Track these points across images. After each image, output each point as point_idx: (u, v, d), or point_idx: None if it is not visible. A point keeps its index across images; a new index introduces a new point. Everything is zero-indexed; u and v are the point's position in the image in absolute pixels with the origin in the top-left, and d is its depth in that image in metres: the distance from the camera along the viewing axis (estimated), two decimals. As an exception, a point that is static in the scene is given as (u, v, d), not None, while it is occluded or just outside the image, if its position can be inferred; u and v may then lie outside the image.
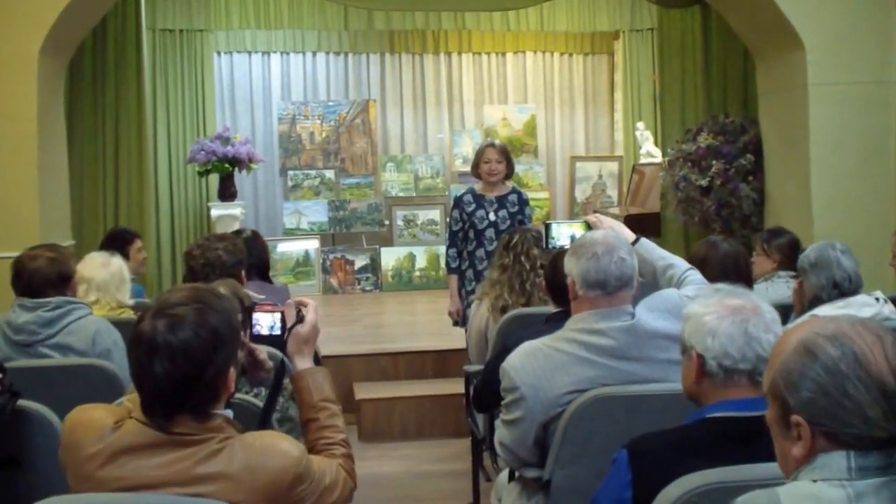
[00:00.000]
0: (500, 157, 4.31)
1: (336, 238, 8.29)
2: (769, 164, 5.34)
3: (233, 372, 1.57)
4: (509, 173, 4.39)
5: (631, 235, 2.42)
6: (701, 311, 1.65)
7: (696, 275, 2.36)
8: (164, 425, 1.50)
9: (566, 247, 2.37)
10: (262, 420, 1.88)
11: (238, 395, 1.93)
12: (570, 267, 2.12)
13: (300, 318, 1.87)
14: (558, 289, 2.51)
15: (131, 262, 4.01)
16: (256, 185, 8.48)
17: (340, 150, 8.43)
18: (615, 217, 7.10)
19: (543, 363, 2.10)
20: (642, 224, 6.25)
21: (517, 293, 3.20)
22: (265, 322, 1.87)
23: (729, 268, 2.88)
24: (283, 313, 1.87)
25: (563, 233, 2.51)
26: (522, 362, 2.12)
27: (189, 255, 3.04)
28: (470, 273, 4.34)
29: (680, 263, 2.38)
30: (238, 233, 3.43)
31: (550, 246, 2.53)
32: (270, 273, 3.74)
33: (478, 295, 3.44)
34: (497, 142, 4.47)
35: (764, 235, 3.72)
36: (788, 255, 3.51)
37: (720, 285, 1.74)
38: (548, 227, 2.53)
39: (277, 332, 1.87)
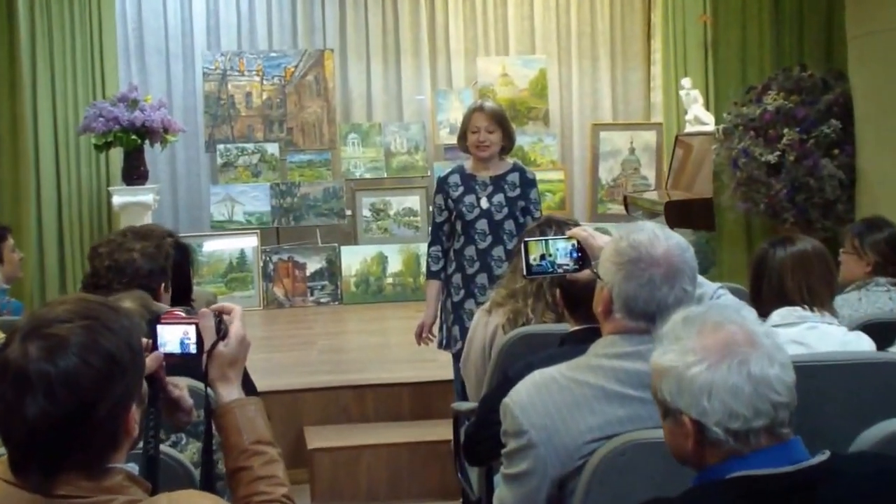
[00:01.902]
0: (491, 125, 4.35)
1: (282, 234, 8.32)
2: (861, 133, 5.35)
3: (135, 411, 1.56)
4: (507, 146, 4.44)
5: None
6: (678, 360, 1.66)
7: (729, 298, 2.40)
8: (43, 486, 1.49)
9: (562, 269, 2.43)
10: (204, 480, 1.87)
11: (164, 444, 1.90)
12: (611, 278, 2.13)
13: (222, 332, 1.85)
14: (578, 300, 2.53)
15: (4, 265, 3.99)
16: (174, 163, 8.51)
17: (287, 116, 8.45)
18: (652, 206, 7.23)
19: (559, 399, 2.12)
20: (688, 214, 6.27)
21: (547, 306, 3.21)
22: (173, 337, 1.84)
23: (797, 276, 2.90)
24: (197, 325, 1.84)
25: (558, 251, 2.49)
26: (531, 398, 2.13)
27: (93, 253, 3.05)
28: (457, 278, 4.39)
29: (708, 283, 2.42)
30: (170, 235, 3.38)
31: (534, 272, 2.52)
32: (194, 281, 3.72)
33: (487, 305, 3.44)
34: (488, 103, 4.52)
35: (856, 229, 3.75)
36: (889, 254, 3.55)
37: (691, 309, 1.74)
38: (526, 246, 2.51)
39: (191, 350, 1.84)
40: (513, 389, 2.16)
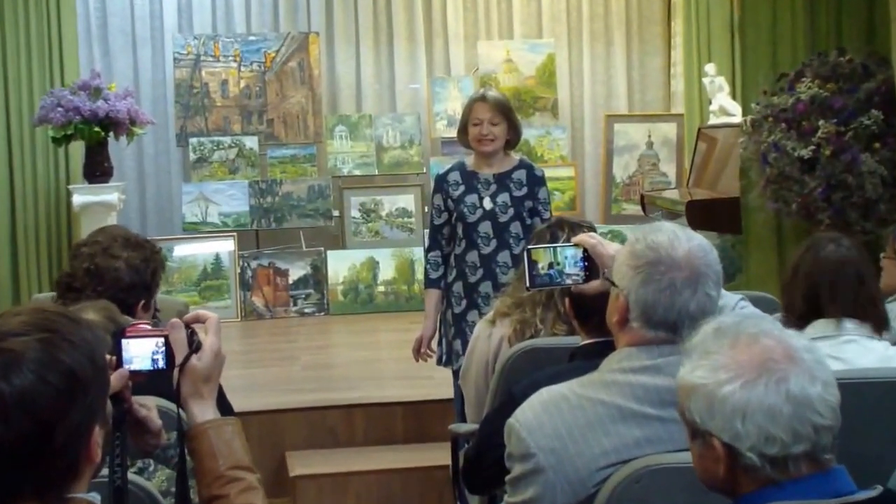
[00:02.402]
0: (495, 116, 4.38)
1: (261, 237, 8.33)
2: (907, 125, 5.35)
3: (98, 434, 1.55)
4: (513, 140, 4.48)
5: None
6: (708, 378, 1.64)
7: (752, 311, 2.42)
8: (-5, 517, 1.48)
9: (571, 279, 2.44)
10: None
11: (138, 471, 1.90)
12: (627, 283, 2.14)
13: (194, 344, 1.84)
14: (591, 310, 2.54)
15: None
16: (142, 158, 8.51)
17: (267, 107, 8.46)
18: (672, 206, 7.22)
19: (571, 419, 2.12)
20: (712, 215, 6.26)
21: (558, 317, 3.21)
22: (140, 352, 1.84)
23: (835, 284, 2.91)
24: (167, 338, 1.84)
25: (567, 260, 2.50)
26: (539, 418, 2.13)
27: (75, 251, 3.08)
28: (459, 287, 4.41)
29: (729, 294, 2.43)
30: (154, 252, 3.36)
31: (538, 283, 2.53)
32: (163, 290, 3.75)
33: (490, 316, 3.46)
34: (491, 93, 4.55)
35: (900, 231, 3.76)
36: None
37: (723, 320, 1.74)
38: (530, 254, 2.53)
39: (160, 365, 1.84)
40: (518, 408, 2.16)
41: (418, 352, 4.50)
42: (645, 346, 2.12)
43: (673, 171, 8.61)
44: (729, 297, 2.40)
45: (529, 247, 2.58)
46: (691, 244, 2.13)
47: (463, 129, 4.44)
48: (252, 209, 8.17)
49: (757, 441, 1.58)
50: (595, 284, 2.43)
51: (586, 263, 2.44)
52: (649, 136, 8.72)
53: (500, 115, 4.38)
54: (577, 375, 2.21)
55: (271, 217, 8.20)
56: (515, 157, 4.53)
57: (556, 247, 2.54)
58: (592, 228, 3.23)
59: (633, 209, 8.23)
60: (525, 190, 4.40)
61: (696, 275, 2.08)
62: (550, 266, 2.50)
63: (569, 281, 2.49)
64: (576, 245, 2.48)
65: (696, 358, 1.67)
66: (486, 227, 4.36)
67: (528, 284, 2.54)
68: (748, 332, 1.65)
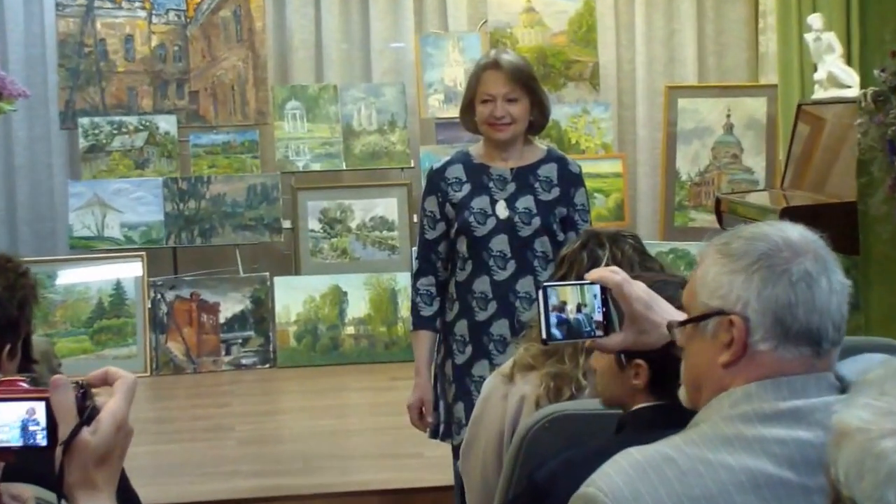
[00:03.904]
0: (513, 89, 4.41)
1: (182, 258, 8.34)
2: None
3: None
4: (538, 122, 4.52)
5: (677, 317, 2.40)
6: (871, 422, 1.65)
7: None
8: None
9: (587, 333, 2.46)
10: None
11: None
12: (741, 294, 2.14)
13: (87, 411, 1.84)
14: (672, 372, 2.48)
15: None
16: (11, 145, 8.53)
17: (190, 74, 8.46)
18: (761, 214, 7.14)
19: (681, 489, 2.07)
20: (818, 228, 6.23)
21: None
22: (10, 420, 1.84)
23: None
24: (48, 401, 1.83)
25: (596, 300, 2.52)
26: (633, 486, 2.08)
27: None
28: (461, 328, 4.43)
29: (865, 356, 2.42)
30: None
31: (557, 336, 2.51)
32: (39, 332, 3.74)
33: (507, 368, 3.45)
34: (507, 56, 4.56)
35: None
36: None
37: (878, 356, 1.74)
38: (545, 293, 2.51)
39: (38, 441, 1.84)
40: (597, 473, 2.10)
41: (420, 417, 4.48)
42: (773, 381, 2.11)
43: (761, 164, 8.61)
44: (865, 360, 2.35)
45: (547, 283, 2.57)
46: (796, 227, 2.20)
47: (468, 107, 4.46)
48: (168, 218, 8.16)
49: None
50: (617, 340, 2.46)
51: (603, 309, 2.47)
52: (728, 117, 8.71)
53: (521, 88, 4.39)
54: (631, 448, 2.15)
55: (195, 230, 8.19)
56: (541, 145, 4.55)
57: (570, 285, 2.54)
58: (637, 242, 3.30)
59: (705, 219, 8.27)
60: (556, 192, 4.43)
61: (822, 259, 2.13)
62: (579, 309, 2.51)
63: (587, 333, 2.51)
64: (591, 283, 2.50)
65: (865, 395, 1.68)
66: (500, 244, 4.37)
67: (544, 336, 2.51)
68: None
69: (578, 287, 2.52)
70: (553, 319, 2.49)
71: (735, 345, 2.13)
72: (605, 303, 2.46)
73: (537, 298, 2.54)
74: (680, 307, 2.37)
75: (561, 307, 2.49)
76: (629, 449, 2.14)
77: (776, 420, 2.08)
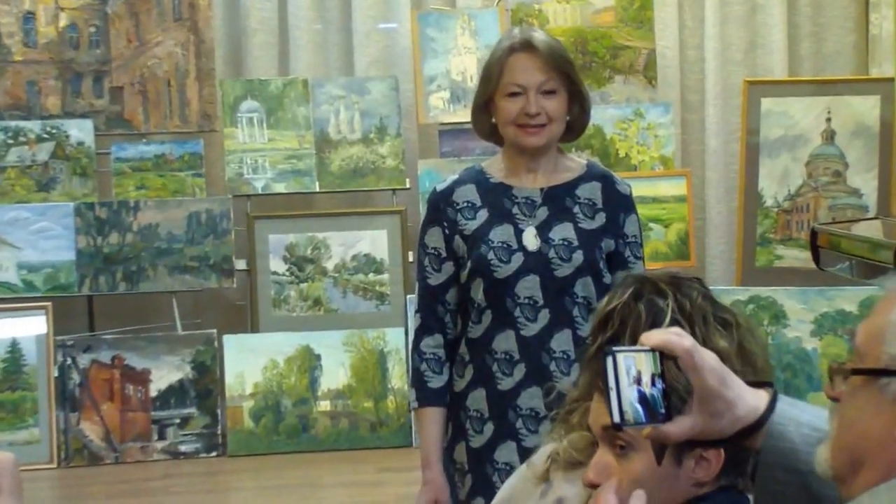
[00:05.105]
0: (550, 77, 4.44)
1: (100, 310, 8.36)
2: None
3: None
4: (578, 123, 4.57)
5: (752, 397, 2.51)
6: None
7: None
8: None
9: (660, 416, 2.46)
10: None
11: None
12: None
13: None
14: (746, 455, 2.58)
15: None
16: None
17: (112, 65, 8.49)
18: (872, 252, 7.06)
19: None
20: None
21: None
22: None
23: None
24: None
25: (644, 376, 2.51)
26: None
27: None
28: (478, 399, 4.46)
29: None
30: None
31: (630, 419, 2.49)
32: None
33: (542, 460, 3.38)
34: (539, 35, 4.59)
35: None
36: None
37: None
38: (615, 359, 2.49)
39: None
40: None
41: None
42: None
43: (872, 184, 8.58)
44: None
45: (615, 349, 2.53)
46: None
47: (485, 106, 4.49)
48: (82, 257, 8.16)
49: None
50: (685, 426, 2.47)
51: (664, 386, 2.47)
52: (828, 121, 8.69)
53: (560, 77, 4.42)
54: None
55: (118, 272, 8.18)
56: (580, 159, 4.62)
57: (629, 351, 2.52)
58: (704, 288, 3.21)
59: (797, 256, 8.34)
60: (602, 218, 4.47)
61: None
62: (653, 382, 2.52)
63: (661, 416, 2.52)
64: (651, 350, 2.50)
65: None
66: (529, 287, 4.39)
67: (617, 419, 2.49)
68: None
69: (651, 353, 2.50)
70: (633, 394, 2.48)
71: None
72: (664, 375, 2.46)
73: (604, 367, 2.50)
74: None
75: (638, 379, 2.49)
76: None
77: None
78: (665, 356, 2.46)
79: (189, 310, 8.32)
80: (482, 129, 4.52)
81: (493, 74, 4.43)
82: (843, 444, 2.23)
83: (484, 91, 4.46)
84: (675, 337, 2.47)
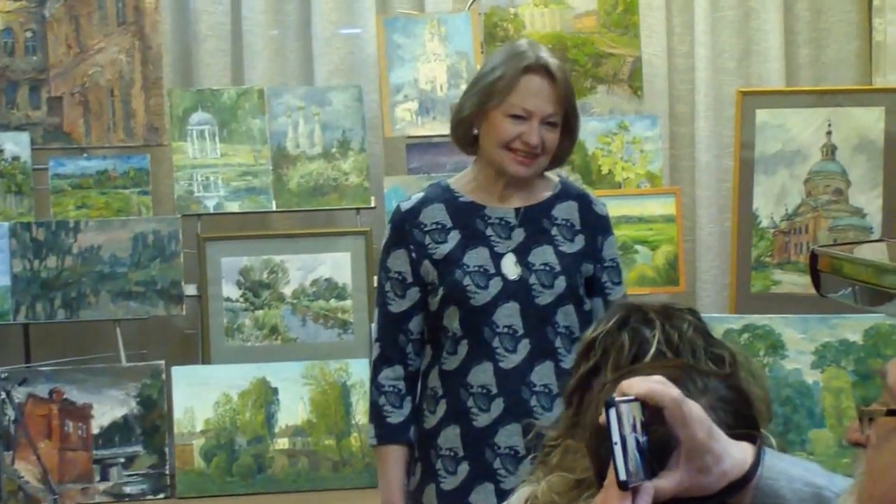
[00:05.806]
0: (558, 109, 4.58)
1: (37, 340, 8.28)
2: None
3: None
4: (563, 154, 4.74)
5: (737, 450, 2.62)
6: None
7: None
8: None
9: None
10: None
11: None
12: None
13: None
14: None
15: None
16: None
17: (49, 73, 8.36)
18: (878, 277, 6.95)
19: None
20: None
21: None
22: None
23: None
24: None
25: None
26: None
27: None
28: (452, 437, 4.57)
29: (842, 483, 2.66)
30: None
31: (633, 476, 2.57)
32: None
33: (523, 499, 3.32)
34: (552, 59, 4.69)
35: None
36: None
37: None
38: (618, 410, 2.57)
39: None
40: None
41: None
42: None
43: (877, 203, 8.48)
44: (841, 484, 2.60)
45: (618, 398, 2.59)
46: None
47: (476, 116, 4.57)
48: (17, 282, 8.04)
49: None
50: (673, 482, 2.54)
51: (646, 436, 2.55)
52: (829, 135, 8.58)
53: (564, 110, 4.55)
54: None
55: (56, 299, 8.04)
56: (553, 177, 4.76)
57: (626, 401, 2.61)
58: (697, 319, 3.34)
59: (796, 282, 8.26)
60: (580, 241, 4.63)
61: None
62: (643, 431, 2.65)
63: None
64: (634, 399, 2.59)
65: None
66: (509, 314, 4.50)
67: (623, 476, 2.55)
68: None
69: (635, 403, 2.61)
70: (628, 455, 2.57)
71: None
72: (647, 427, 2.56)
73: (607, 419, 2.57)
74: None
75: (634, 427, 2.59)
76: None
77: None
78: (647, 406, 2.55)
79: (134, 339, 8.17)
80: (463, 138, 4.70)
81: (498, 89, 4.53)
82: (874, 493, 2.25)
83: (481, 102, 4.57)
84: (659, 386, 2.58)
